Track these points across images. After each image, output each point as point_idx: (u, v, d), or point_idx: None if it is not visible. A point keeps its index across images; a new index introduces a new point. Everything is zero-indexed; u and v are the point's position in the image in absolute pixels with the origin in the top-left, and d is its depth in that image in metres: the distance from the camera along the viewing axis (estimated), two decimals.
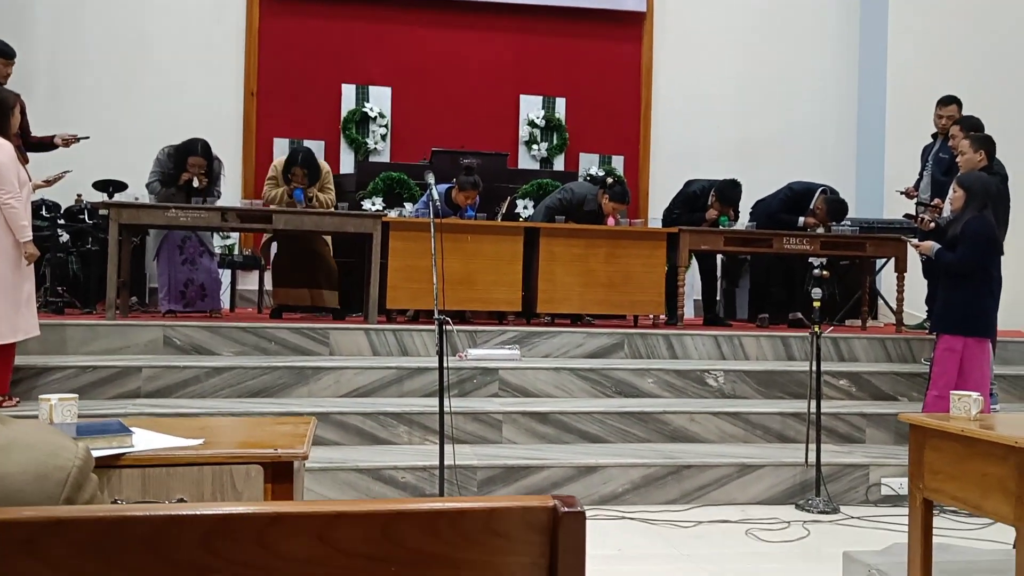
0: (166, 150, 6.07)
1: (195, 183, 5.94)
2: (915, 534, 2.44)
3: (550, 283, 5.95)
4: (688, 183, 6.90)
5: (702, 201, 6.65)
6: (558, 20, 8.89)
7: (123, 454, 1.63)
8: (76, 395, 1.85)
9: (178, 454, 1.66)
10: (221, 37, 8.35)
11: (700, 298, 7.33)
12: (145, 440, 1.71)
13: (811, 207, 6.68)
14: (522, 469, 4.41)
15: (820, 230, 6.54)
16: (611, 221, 6.20)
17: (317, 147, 8.28)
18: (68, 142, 5.74)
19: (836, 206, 6.58)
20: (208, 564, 0.94)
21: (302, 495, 1.99)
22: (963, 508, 2.36)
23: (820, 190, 6.74)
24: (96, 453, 1.63)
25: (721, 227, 6.42)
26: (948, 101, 6.15)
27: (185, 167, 5.96)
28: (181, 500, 1.60)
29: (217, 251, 7.21)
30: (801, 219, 6.66)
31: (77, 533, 0.92)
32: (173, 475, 1.63)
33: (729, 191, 6.54)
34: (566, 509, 0.98)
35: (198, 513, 0.94)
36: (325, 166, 6.35)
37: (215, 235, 7.18)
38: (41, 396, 1.83)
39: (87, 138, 5.83)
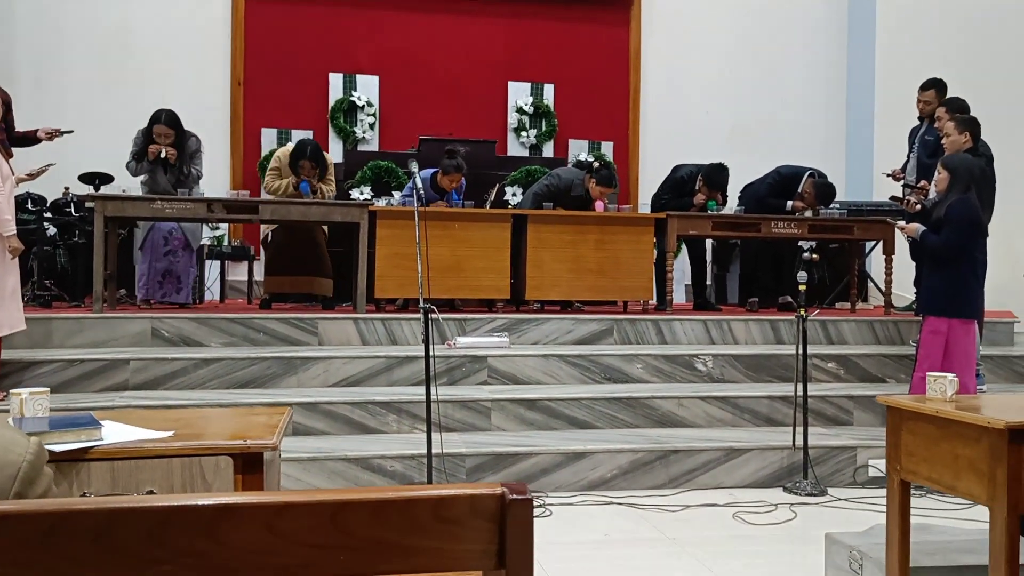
0: (140, 130, 6.04)
1: (162, 154, 5.86)
2: (893, 515, 2.45)
3: (538, 270, 5.95)
4: (675, 168, 6.89)
5: (690, 186, 6.64)
6: (546, 6, 8.85)
7: (92, 447, 1.64)
8: (47, 389, 1.85)
9: (147, 447, 1.66)
10: (206, 26, 8.31)
11: (690, 283, 7.34)
12: (115, 433, 1.71)
13: (799, 191, 6.69)
14: (510, 456, 4.43)
15: (808, 214, 6.54)
16: (599, 205, 6.19)
17: (305, 136, 8.26)
18: (51, 136, 5.71)
19: (824, 190, 6.58)
20: (157, 556, 0.94)
21: (277, 485, 2.00)
22: (938, 488, 2.37)
23: (808, 173, 6.75)
24: (64, 447, 1.64)
25: (709, 211, 6.42)
26: (927, 86, 6.15)
27: (153, 140, 5.90)
28: (150, 492, 1.61)
29: (206, 242, 7.20)
30: (789, 203, 6.66)
31: (25, 527, 0.93)
32: (142, 468, 1.63)
33: (716, 175, 6.53)
34: (514, 496, 0.99)
35: (145, 506, 0.94)
36: (330, 158, 6.34)
37: (204, 226, 7.15)
38: (12, 391, 1.83)
39: (71, 132, 5.81)
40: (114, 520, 0.94)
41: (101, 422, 1.72)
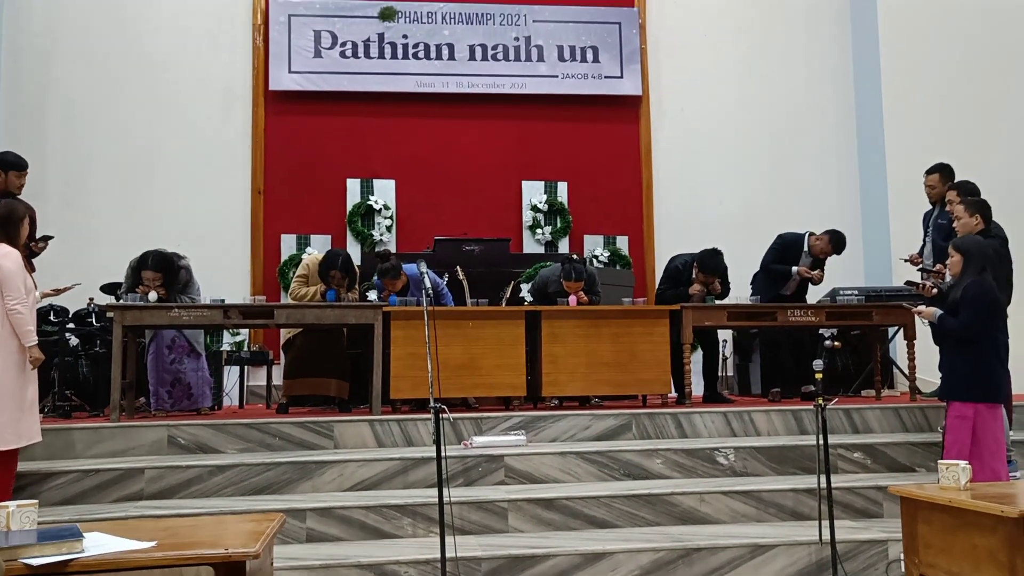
0: (131, 263, 5.98)
1: (152, 296, 5.77)
2: None
3: (554, 365, 5.91)
4: (672, 259, 6.89)
5: (686, 275, 6.62)
6: (556, 107, 9.09)
7: (72, 560, 1.61)
8: (35, 501, 1.84)
9: (127, 558, 1.63)
10: (228, 138, 8.60)
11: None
12: (98, 544, 1.69)
13: (807, 248, 6.83)
14: (527, 558, 4.30)
15: (816, 272, 6.65)
16: (572, 300, 6.16)
17: (324, 241, 8.43)
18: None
19: (836, 235, 6.75)
20: None
21: None
22: None
23: (808, 233, 6.93)
24: (43, 560, 1.62)
25: (706, 302, 6.40)
26: (931, 171, 6.21)
27: (142, 280, 5.84)
28: None
29: (226, 347, 7.26)
30: (794, 269, 6.78)
31: None
32: None
33: (709, 260, 6.50)
34: None
35: None
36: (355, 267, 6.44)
37: (225, 332, 7.23)
38: None
39: (51, 237, 5.72)
40: None
41: (84, 534, 1.71)
